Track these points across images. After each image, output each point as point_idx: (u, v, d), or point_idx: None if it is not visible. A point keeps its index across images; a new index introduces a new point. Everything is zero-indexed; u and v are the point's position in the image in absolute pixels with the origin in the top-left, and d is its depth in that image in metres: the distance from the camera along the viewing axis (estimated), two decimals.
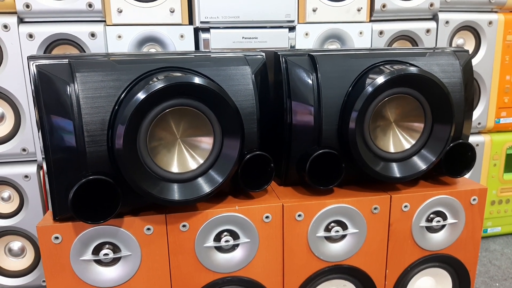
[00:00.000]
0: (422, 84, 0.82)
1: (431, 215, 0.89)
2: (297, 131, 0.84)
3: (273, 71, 0.88)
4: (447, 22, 1.24)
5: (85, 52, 1.07)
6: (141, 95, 0.66)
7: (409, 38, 1.24)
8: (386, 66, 0.83)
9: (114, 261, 0.79)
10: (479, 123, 1.33)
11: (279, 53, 0.85)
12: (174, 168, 0.73)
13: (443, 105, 0.82)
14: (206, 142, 0.75)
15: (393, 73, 0.79)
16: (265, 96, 0.84)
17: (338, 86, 0.82)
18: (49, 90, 0.68)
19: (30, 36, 1.04)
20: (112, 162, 0.69)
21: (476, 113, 1.32)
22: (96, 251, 0.77)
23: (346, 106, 0.82)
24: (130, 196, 0.72)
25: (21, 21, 1.05)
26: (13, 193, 1.13)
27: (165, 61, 0.75)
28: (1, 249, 1.16)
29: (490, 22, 1.26)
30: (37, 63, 0.69)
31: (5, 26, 1.03)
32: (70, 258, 0.76)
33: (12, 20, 1.03)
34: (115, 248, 0.78)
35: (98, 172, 0.69)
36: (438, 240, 0.91)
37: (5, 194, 1.13)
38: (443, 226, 0.91)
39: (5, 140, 1.10)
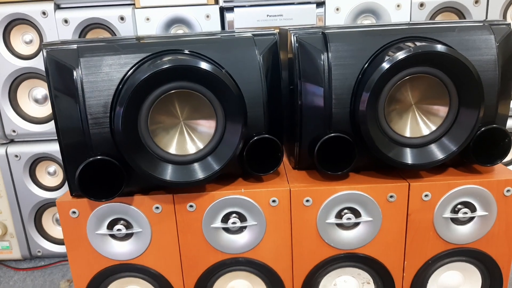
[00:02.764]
0: (447, 63, 0.74)
1: (458, 206, 0.82)
2: (308, 113, 0.81)
3: (288, 47, 0.84)
4: None
5: (115, 35, 1.11)
6: (138, 79, 0.67)
7: (455, 10, 1.13)
8: (407, 43, 0.76)
9: (127, 236, 0.83)
10: None
11: (290, 31, 0.81)
12: (173, 150, 0.74)
13: (471, 87, 0.74)
14: (209, 126, 0.75)
15: (410, 50, 0.72)
16: (277, 77, 0.82)
17: (351, 66, 0.77)
18: (57, 75, 0.72)
19: (66, 21, 1.10)
20: (115, 142, 0.72)
21: None
22: (111, 226, 0.82)
23: (359, 87, 0.77)
24: (137, 174, 0.75)
25: (57, 7, 1.11)
26: (58, 168, 1.23)
27: (169, 43, 0.75)
28: (49, 218, 1.27)
29: None
30: (48, 49, 0.72)
31: (44, 13, 1.10)
32: (87, 231, 0.82)
33: (49, 7, 1.10)
34: (128, 224, 0.82)
35: (103, 153, 0.72)
36: (465, 233, 0.83)
37: (51, 169, 1.23)
38: (472, 218, 0.83)
39: (49, 119, 1.19)
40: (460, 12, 1.13)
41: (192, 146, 0.75)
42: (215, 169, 0.74)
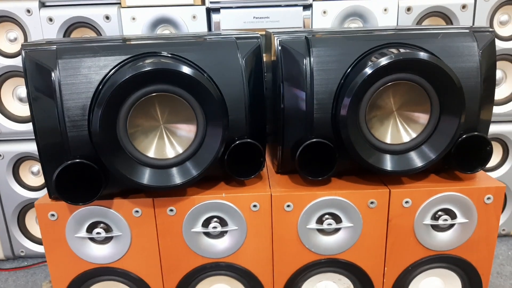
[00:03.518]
0: (429, 71, 0.74)
1: (439, 213, 0.82)
2: (290, 117, 0.81)
3: (272, 49, 0.84)
4: None
5: (101, 35, 1.10)
6: (117, 81, 0.67)
7: (442, 14, 1.13)
8: (390, 49, 0.76)
9: (107, 239, 0.82)
10: None
11: (274, 34, 0.81)
12: (151, 154, 0.73)
13: (452, 96, 0.74)
14: (189, 131, 0.75)
15: (392, 57, 0.72)
16: (259, 80, 0.81)
17: (333, 71, 0.77)
18: (35, 76, 0.71)
19: (50, 19, 1.08)
20: (93, 145, 0.71)
21: None
22: (90, 229, 0.81)
23: (341, 91, 0.76)
24: (115, 178, 0.74)
25: (42, 5, 1.10)
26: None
27: (150, 46, 0.74)
28: (33, 218, 1.26)
29: None
30: (26, 50, 0.71)
31: (28, 10, 1.08)
32: (66, 234, 0.81)
33: (34, 5, 1.08)
34: (108, 227, 0.81)
35: (81, 155, 0.72)
36: (446, 240, 0.84)
37: (35, 169, 1.22)
38: (452, 225, 0.83)
39: None
40: (447, 17, 1.13)
41: (171, 150, 0.74)
42: (193, 175, 0.74)
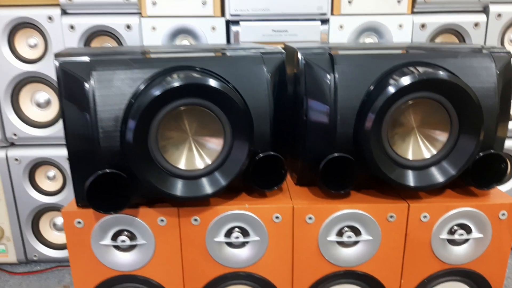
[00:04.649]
0: (450, 90, 0.76)
1: (454, 227, 0.85)
2: (312, 131, 0.83)
3: (294, 64, 0.86)
4: (499, 15, 1.13)
5: (121, 43, 1.12)
6: (153, 94, 0.68)
7: (455, 32, 1.16)
8: (410, 68, 0.79)
9: (131, 247, 0.84)
10: None
11: (298, 50, 0.83)
12: (182, 165, 0.75)
13: (471, 115, 0.76)
14: (216, 143, 0.77)
15: (415, 76, 0.74)
16: (283, 93, 0.83)
17: (356, 88, 0.79)
18: (69, 87, 0.73)
19: (72, 27, 1.10)
20: (125, 156, 0.73)
21: None
22: (115, 237, 0.83)
23: (363, 108, 0.79)
24: (144, 187, 0.76)
25: (64, 12, 1.12)
26: (57, 173, 1.23)
27: (180, 60, 0.76)
28: (47, 223, 1.27)
29: None
30: (60, 61, 0.73)
31: (50, 18, 1.10)
32: (91, 241, 0.82)
33: (56, 12, 1.10)
34: (132, 236, 0.83)
35: (112, 165, 0.73)
36: (461, 254, 0.86)
37: (51, 174, 1.23)
38: (467, 239, 0.85)
39: (51, 124, 1.19)
40: (460, 34, 1.16)
41: (201, 161, 0.76)
42: (222, 184, 0.76)
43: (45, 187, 1.24)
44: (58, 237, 1.29)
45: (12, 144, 1.22)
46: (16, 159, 1.19)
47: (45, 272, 1.26)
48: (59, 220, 1.28)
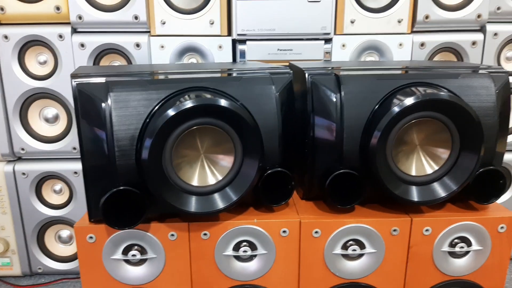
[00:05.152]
0: (452, 110, 0.80)
1: (455, 240, 0.88)
2: (319, 148, 0.86)
3: (300, 82, 0.89)
4: (495, 34, 1.18)
5: (130, 61, 1.15)
6: (168, 114, 0.71)
7: (453, 50, 1.20)
8: (413, 88, 0.82)
9: (141, 261, 0.86)
10: None
11: (305, 71, 0.86)
12: (195, 182, 0.78)
13: (472, 134, 0.80)
14: (227, 160, 0.79)
15: (419, 96, 0.78)
16: (290, 111, 0.87)
17: (362, 107, 0.83)
18: (86, 107, 0.75)
19: (82, 45, 1.13)
20: (140, 173, 0.75)
21: None
22: (126, 251, 0.85)
23: (369, 126, 0.82)
24: (156, 203, 0.78)
25: (74, 31, 1.15)
26: (64, 186, 1.25)
27: (193, 80, 0.79)
28: (52, 236, 1.29)
29: None
30: (77, 81, 0.76)
31: (60, 36, 1.13)
32: (102, 256, 0.84)
33: (66, 30, 1.13)
34: (143, 250, 0.85)
35: (127, 182, 0.76)
36: (461, 265, 0.89)
37: (57, 187, 1.25)
38: (467, 252, 0.89)
39: (59, 139, 1.21)
40: (458, 53, 1.20)
41: (212, 177, 0.79)
42: (233, 199, 0.79)
43: (51, 201, 1.25)
44: (63, 250, 1.30)
45: (19, 159, 1.24)
46: (23, 173, 1.21)
47: (50, 284, 1.27)
48: (64, 233, 1.29)
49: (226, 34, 1.15)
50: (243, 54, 1.13)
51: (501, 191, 0.86)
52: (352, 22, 1.15)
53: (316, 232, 0.85)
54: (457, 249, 0.87)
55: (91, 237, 0.83)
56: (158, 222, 0.84)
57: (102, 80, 0.76)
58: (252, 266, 0.87)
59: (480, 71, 0.87)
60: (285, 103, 0.85)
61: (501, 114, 0.86)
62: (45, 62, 1.17)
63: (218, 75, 0.83)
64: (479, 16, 1.16)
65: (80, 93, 0.75)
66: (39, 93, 1.18)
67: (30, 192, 1.23)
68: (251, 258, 0.87)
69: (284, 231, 0.85)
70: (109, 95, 0.74)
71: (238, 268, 0.87)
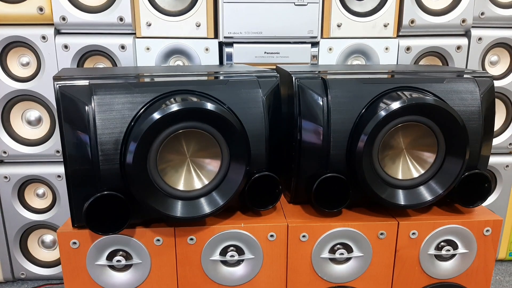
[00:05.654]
0: (437, 114, 0.80)
1: (441, 243, 0.88)
2: (306, 152, 0.85)
3: (287, 85, 0.89)
4: (480, 38, 1.19)
5: (115, 63, 1.13)
6: (153, 117, 0.70)
7: (438, 54, 1.21)
8: (399, 92, 0.82)
9: (126, 267, 0.84)
10: (510, 144, 1.27)
11: (292, 75, 0.86)
12: (180, 186, 0.77)
13: (457, 138, 0.80)
14: (213, 164, 0.79)
15: (405, 101, 0.78)
16: (277, 115, 0.86)
17: (348, 111, 0.83)
18: (69, 110, 0.74)
19: (66, 47, 1.11)
20: (124, 178, 0.74)
21: (507, 133, 1.26)
22: (110, 257, 0.83)
23: (356, 130, 0.82)
24: (141, 208, 0.77)
25: (58, 32, 1.13)
26: (47, 190, 1.23)
27: (179, 83, 0.78)
28: (35, 241, 1.26)
29: None
30: (60, 84, 0.74)
31: (43, 37, 1.11)
32: (86, 262, 0.83)
33: (49, 32, 1.11)
34: (128, 255, 0.83)
35: (111, 187, 0.74)
36: (448, 268, 0.89)
37: (40, 191, 1.23)
38: (454, 255, 0.89)
39: (42, 142, 1.19)
40: (443, 57, 1.21)
41: (198, 182, 0.78)
42: (220, 204, 0.78)
43: (34, 205, 1.23)
44: (47, 255, 1.27)
45: (1, 162, 1.21)
46: (6, 177, 1.18)
47: None
48: (48, 238, 1.26)
49: (213, 37, 1.14)
50: (230, 57, 1.13)
51: (486, 194, 0.87)
52: (338, 26, 1.15)
53: (304, 236, 0.84)
54: (443, 252, 0.88)
55: (74, 243, 0.81)
56: (143, 227, 0.82)
57: (85, 82, 0.75)
58: (239, 271, 0.86)
59: (465, 76, 0.87)
60: (272, 106, 0.84)
61: (486, 118, 0.87)
62: (27, 64, 1.15)
63: (205, 78, 0.82)
64: (463, 21, 1.17)
65: (63, 96, 0.74)
66: (22, 95, 1.16)
67: (12, 196, 1.20)
68: (238, 263, 0.86)
69: (271, 235, 0.84)
70: (92, 98, 0.73)
71: (225, 273, 0.86)
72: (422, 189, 0.83)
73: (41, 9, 1.09)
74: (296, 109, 0.85)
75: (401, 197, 0.83)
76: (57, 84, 0.75)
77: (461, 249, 0.88)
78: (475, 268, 0.90)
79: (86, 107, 0.73)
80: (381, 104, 0.80)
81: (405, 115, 0.80)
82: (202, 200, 0.77)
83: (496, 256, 0.90)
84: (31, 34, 1.11)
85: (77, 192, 0.77)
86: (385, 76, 0.88)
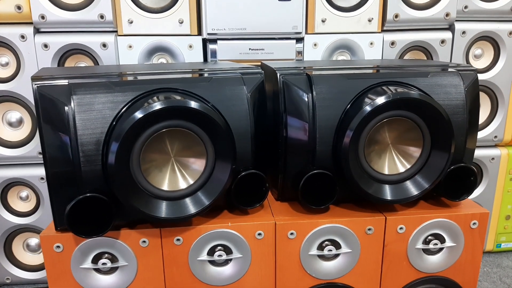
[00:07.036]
0: (422, 109, 0.80)
1: (429, 237, 0.88)
2: (292, 148, 0.85)
3: (272, 82, 0.88)
4: (463, 32, 1.19)
5: (97, 62, 1.11)
6: (135, 116, 0.69)
7: (423, 48, 1.21)
8: (384, 88, 0.82)
9: (112, 270, 0.83)
10: (495, 136, 1.28)
11: (277, 71, 0.85)
12: (165, 186, 0.76)
13: (443, 132, 0.80)
14: (198, 163, 0.77)
15: (390, 96, 0.78)
16: (262, 112, 0.85)
17: (334, 106, 0.82)
18: (48, 111, 0.72)
19: (45, 46, 1.08)
20: (107, 179, 0.72)
21: (492, 126, 1.27)
22: (95, 260, 0.81)
23: (341, 126, 0.81)
24: (125, 210, 0.75)
25: (37, 31, 1.10)
26: (30, 193, 1.20)
27: (162, 81, 0.77)
28: (20, 245, 1.24)
29: (511, 33, 1.21)
30: (38, 84, 0.72)
31: (22, 36, 1.08)
32: (71, 265, 0.81)
33: (28, 31, 1.08)
34: (113, 258, 0.82)
35: (93, 189, 0.73)
36: (436, 262, 0.90)
37: (23, 194, 1.20)
38: (441, 249, 0.89)
39: (23, 144, 1.16)
40: (427, 51, 1.21)
41: (183, 182, 0.77)
42: (206, 204, 0.77)
43: (18, 208, 1.20)
44: (32, 259, 1.25)
45: None
46: None
47: None
48: (33, 241, 1.24)
49: (197, 34, 1.13)
50: (214, 53, 1.11)
51: (472, 187, 0.87)
52: (323, 21, 1.14)
53: (292, 233, 0.84)
54: (431, 246, 0.88)
55: (58, 246, 0.79)
56: (128, 228, 0.81)
57: (64, 82, 0.73)
58: (227, 270, 0.85)
59: (449, 70, 0.88)
60: (257, 103, 0.84)
61: (471, 112, 0.87)
62: (7, 64, 1.12)
63: (188, 75, 0.81)
64: (447, 14, 1.18)
65: (42, 96, 0.72)
66: (1, 96, 1.13)
67: None
68: (226, 262, 0.85)
69: (259, 234, 0.83)
70: (72, 98, 0.71)
71: (213, 273, 0.85)
72: (409, 184, 0.83)
73: (19, 8, 1.06)
74: (281, 105, 0.84)
75: (388, 192, 0.83)
76: (35, 84, 0.73)
77: (448, 243, 0.88)
78: (462, 261, 0.90)
79: (66, 107, 0.71)
80: (366, 100, 0.80)
81: (390, 110, 0.80)
82: (187, 200, 0.76)
83: (483, 248, 0.90)
84: (9, 33, 1.08)
85: (59, 195, 0.75)
86: (370, 71, 0.87)
